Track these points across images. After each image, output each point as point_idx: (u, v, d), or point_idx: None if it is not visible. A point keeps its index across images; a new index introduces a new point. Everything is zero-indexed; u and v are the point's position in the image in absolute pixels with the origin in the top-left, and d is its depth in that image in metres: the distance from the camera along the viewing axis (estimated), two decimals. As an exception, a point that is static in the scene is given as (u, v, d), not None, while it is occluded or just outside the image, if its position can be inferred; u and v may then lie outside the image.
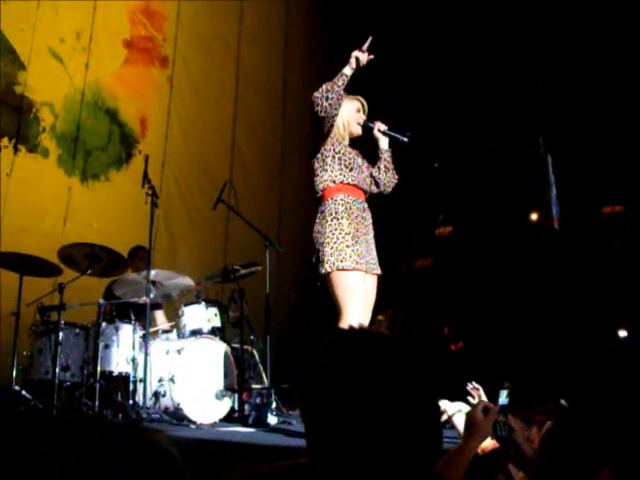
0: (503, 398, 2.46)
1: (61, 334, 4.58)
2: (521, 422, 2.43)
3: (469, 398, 3.34)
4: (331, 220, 3.66)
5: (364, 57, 3.79)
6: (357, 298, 3.61)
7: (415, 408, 1.10)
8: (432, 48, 8.66)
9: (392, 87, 8.33)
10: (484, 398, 3.46)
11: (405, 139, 3.98)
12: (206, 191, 6.98)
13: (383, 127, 4.03)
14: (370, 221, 3.87)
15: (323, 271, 3.61)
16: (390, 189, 4.12)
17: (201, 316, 5.23)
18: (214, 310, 5.33)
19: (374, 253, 3.84)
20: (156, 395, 4.71)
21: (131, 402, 4.59)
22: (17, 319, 4.60)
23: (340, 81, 3.71)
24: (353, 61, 3.77)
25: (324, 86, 3.68)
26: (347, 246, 3.59)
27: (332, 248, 3.59)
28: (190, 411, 4.64)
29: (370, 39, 3.83)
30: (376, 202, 4.06)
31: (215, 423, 4.71)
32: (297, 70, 8.89)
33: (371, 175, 4.04)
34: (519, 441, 2.35)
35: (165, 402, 4.70)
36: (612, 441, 2.08)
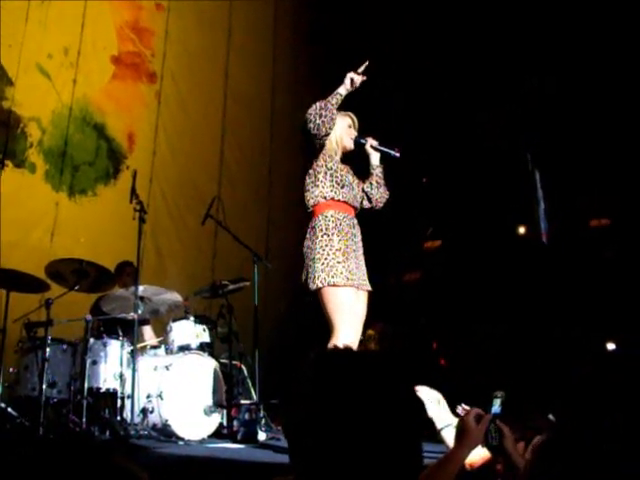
0: (496, 407, 2.45)
1: (48, 350, 4.53)
2: (513, 431, 2.41)
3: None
4: (322, 236, 3.66)
5: (358, 79, 3.83)
6: (348, 314, 3.61)
7: (397, 425, 1.10)
8: (427, 47, 8.70)
9: (388, 85, 8.36)
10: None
11: (397, 154, 4.03)
12: (194, 207, 6.97)
13: (375, 143, 4.07)
14: (359, 237, 3.88)
15: (314, 287, 3.60)
16: (382, 204, 4.14)
17: (189, 332, 5.21)
18: (202, 326, 5.31)
19: (364, 269, 3.85)
20: (144, 411, 4.68)
21: (119, 419, 4.55)
22: (3, 335, 4.56)
23: (334, 100, 3.74)
24: (348, 82, 3.80)
25: (318, 104, 3.70)
26: (338, 262, 3.60)
27: (323, 264, 3.59)
28: (178, 427, 4.61)
29: (366, 63, 3.88)
30: (365, 216, 4.08)
31: (203, 439, 4.68)
32: (286, 86, 8.92)
33: (363, 190, 4.06)
34: (510, 450, 2.33)
35: (153, 418, 4.67)
36: (610, 442, 2.07)
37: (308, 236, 3.76)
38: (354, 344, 3.59)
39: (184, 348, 5.12)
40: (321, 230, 3.68)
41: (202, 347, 5.17)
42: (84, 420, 4.35)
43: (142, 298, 5.04)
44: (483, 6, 8.31)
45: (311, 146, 3.82)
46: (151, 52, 7.68)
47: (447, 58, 8.61)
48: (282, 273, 6.90)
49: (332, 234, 3.67)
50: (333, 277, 3.56)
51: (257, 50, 9.00)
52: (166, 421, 4.60)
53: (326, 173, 3.82)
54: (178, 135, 7.72)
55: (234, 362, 5.39)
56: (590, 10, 7.57)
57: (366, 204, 4.09)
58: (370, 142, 4.07)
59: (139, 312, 4.88)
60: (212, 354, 5.22)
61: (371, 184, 4.10)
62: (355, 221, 3.90)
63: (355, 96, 3.91)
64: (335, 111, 3.73)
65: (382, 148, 4.07)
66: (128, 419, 4.51)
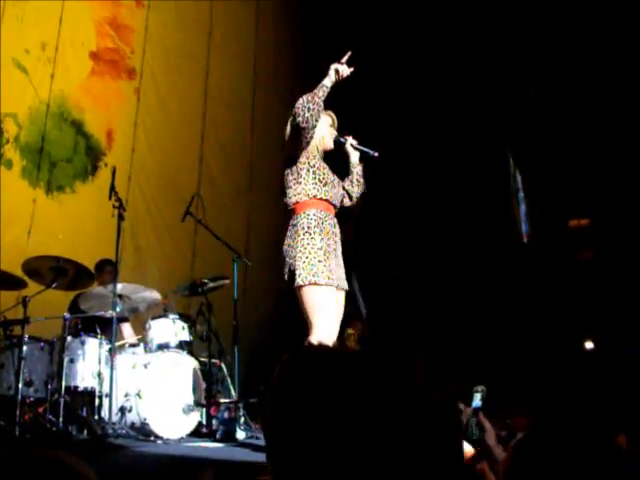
0: (477, 401, 2.46)
1: (25, 348, 4.48)
2: (493, 425, 2.42)
3: None
4: (303, 234, 3.65)
5: (343, 69, 3.81)
6: (327, 313, 3.61)
7: (372, 424, 1.09)
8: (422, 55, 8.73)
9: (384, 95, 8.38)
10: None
11: (375, 153, 4.06)
12: (173, 204, 6.92)
13: (354, 142, 4.10)
14: (339, 237, 3.88)
15: (295, 284, 3.59)
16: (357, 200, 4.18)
17: (168, 330, 5.18)
18: (182, 324, 5.27)
19: (342, 268, 3.86)
20: (122, 410, 4.64)
21: (97, 418, 4.50)
22: (-21, 333, 4.50)
23: (320, 92, 3.72)
24: (332, 73, 3.79)
25: (305, 97, 3.69)
26: (319, 261, 3.58)
27: (304, 262, 3.58)
28: (157, 426, 4.58)
29: (349, 53, 3.86)
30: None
31: (182, 438, 4.65)
32: (266, 85, 8.90)
33: (344, 188, 4.07)
34: (490, 444, 2.34)
35: (131, 417, 4.63)
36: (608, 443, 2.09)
37: (289, 234, 3.74)
38: (331, 343, 3.59)
39: (163, 346, 5.08)
40: (303, 228, 3.66)
41: (181, 345, 5.14)
42: (61, 419, 4.30)
43: (121, 296, 5.00)
44: (478, 13, 8.36)
45: (298, 141, 3.79)
46: (130, 49, 7.62)
47: (427, 54, 8.65)
48: (262, 271, 6.88)
49: (314, 233, 3.65)
50: (314, 276, 3.55)
51: (238, 49, 8.96)
52: (144, 420, 4.57)
53: (309, 170, 3.80)
54: (157, 132, 7.67)
55: (213, 360, 5.37)
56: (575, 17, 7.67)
57: (347, 202, 4.11)
58: (350, 141, 4.10)
59: (118, 310, 4.84)
60: (191, 352, 5.20)
61: (352, 182, 4.12)
62: (335, 220, 3.89)
63: (350, 101, 3.93)
64: (322, 104, 3.72)
65: (361, 147, 4.11)
66: (106, 418, 4.47)
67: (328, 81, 3.78)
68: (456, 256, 8.95)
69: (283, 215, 3.89)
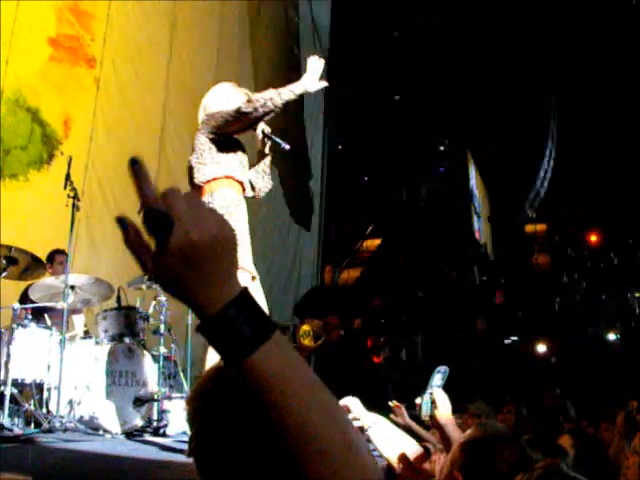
0: (435, 380, 2.47)
1: (-29, 339, 4.38)
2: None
3: (392, 416, 3.36)
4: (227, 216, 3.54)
5: (316, 86, 3.67)
6: None
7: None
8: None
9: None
10: (406, 416, 3.49)
11: (287, 146, 3.88)
12: (130, 195, 6.71)
13: (267, 130, 3.92)
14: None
15: None
16: (264, 194, 4.05)
17: (121, 323, 5.11)
18: (135, 317, 5.20)
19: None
20: (71, 403, 4.56)
21: (44, 410, 4.42)
22: None
23: (285, 96, 3.56)
24: (307, 86, 3.64)
25: (271, 94, 3.53)
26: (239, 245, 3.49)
27: None
28: (105, 420, 4.51)
29: (325, 84, 3.74)
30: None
31: (131, 433, 4.59)
32: (229, 77, 8.81)
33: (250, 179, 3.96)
34: (442, 422, 2.34)
35: (80, 411, 4.56)
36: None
37: None
38: None
39: (115, 339, 5.01)
40: (221, 208, 3.45)
41: (134, 339, 5.07)
42: (7, 412, 4.21)
43: (73, 287, 4.93)
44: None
45: (236, 124, 3.62)
46: (91, 36, 7.47)
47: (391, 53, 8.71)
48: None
49: (233, 214, 3.51)
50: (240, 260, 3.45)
51: (201, 39, 8.88)
52: (93, 413, 4.50)
53: (229, 149, 3.68)
54: (116, 123, 7.54)
55: (167, 355, 5.31)
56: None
57: (249, 192, 3.95)
58: (262, 127, 3.90)
59: (69, 301, 4.75)
60: (144, 346, 5.13)
61: (257, 172, 3.97)
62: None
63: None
64: (280, 107, 3.56)
65: (273, 137, 3.93)
66: (54, 411, 4.39)
67: (297, 89, 3.61)
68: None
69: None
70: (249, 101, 3.56)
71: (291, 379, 0.76)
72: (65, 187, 4.89)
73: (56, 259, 5.54)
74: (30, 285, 5.14)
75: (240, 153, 3.74)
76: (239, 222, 3.51)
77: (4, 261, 4.79)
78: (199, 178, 3.67)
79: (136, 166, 0.79)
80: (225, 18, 9.25)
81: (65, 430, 4.23)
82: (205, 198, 3.57)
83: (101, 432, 4.46)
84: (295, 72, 9.83)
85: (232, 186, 3.63)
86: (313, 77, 3.65)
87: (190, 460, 1.06)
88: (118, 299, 5.36)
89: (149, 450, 3.96)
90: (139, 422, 4.71)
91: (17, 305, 4.74)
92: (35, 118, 6.74)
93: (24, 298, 5.20)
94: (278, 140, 3.91)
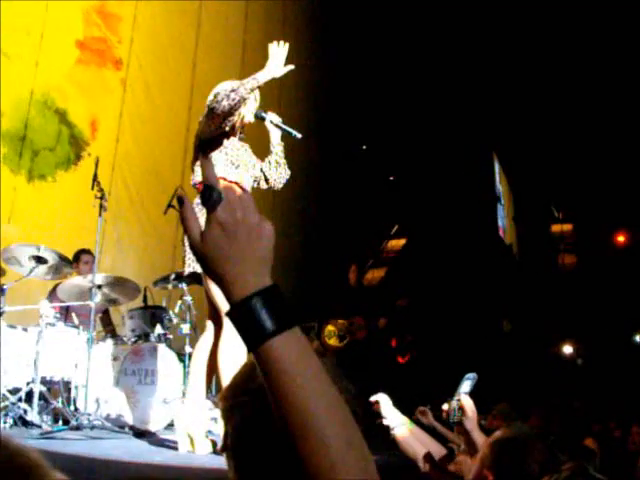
0: (463, 387, 2.50)
1: (2, 337, 4.44)
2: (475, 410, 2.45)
3: (416, 416, 3.37)
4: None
5: (281, 71, 3.61)
6: None
7: None
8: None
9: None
10: (430, 417, 3.51)
11: (298, 135, 3.80)
12: (156, 196, 6.89)
13: (276, 119, 3.86)
14: None
15: (189, 270, 3.43)
16: (281, 185, 3.98)
17: (147, 322, 5.16)
18: (161, 316, 5.25)
19: None
20: (98, 401, 4.61)
21: (72, 408, 4.48)
22: (-45, 321, 4.45)
23: (249, 85, 3.49)
24: (273, 71, 3.58)
25: (231, 84, 3.48)
26: None
27: None
28: (132, 418, 4.55)
29: (291, 67, 3.65)
30: (331, 212, 4.05)
31: (158, 430, 4.63)
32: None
33: (261, 170, 3.89)
34: (469, 427, 2.37)
35: (107, 409, 4.60)
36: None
37: None
38: None
39: (141, 338, 5.06)
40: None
41: (160, 337, 5.12)
42: (35, 409, 4.27)
43: (100, 286, 4.97)
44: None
45: (211, 123, 3.56)
46: (117, 38, 7.57)
47: (415, 56, 8.68)
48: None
49: None
50: None
51: (226, 41, 8.93)
52: (120, 411, 4.54)
53: (221, 151, 3.61)
54: (143, 123, 7.63)
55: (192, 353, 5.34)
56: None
57: (263, 184, 3.90)
58: (270, 117, 3.84)
59: (96, 300, 4.80)
60: (170, 345, 5.18)
61: (269, 163, 3.91)
62: None
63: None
64: (247, 96, 3.49)
65: (283, 126, 3.86)
66: (81, 409, 4.44)
67: (261, 76, 3.55)
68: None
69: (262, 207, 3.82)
70: (215, 97, 3.51)
71: (301, 371, 0.81)
72: (92, 187, 4.93)
73: (82, 259, 5.62)
74: (58, 284, 5.21)
75: (230, 153, 3.65)
76: None
77: (33, 260, 4.86)
78: (194, 179, 3.66)
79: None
80: (250, 18, 9.30)
81: (92, 428, 4.27)
82: (197, 199, 3.57)
83: (127, 430, 4.50)
84: (319, 70, 9.85)
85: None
86: (277, 62, 3.59)
87: (213, 460, 1.09)
88: (144, 298, 5.41)
89: (174, 448, 3.98)
90: (165, 420, 4.74)
91: (46, 304, 4.80)
92: (63, 120, 6.84)
93: (52, 297, 5.27)
94: (288, 129, 3.84)
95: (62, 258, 5.09)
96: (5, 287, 4.58)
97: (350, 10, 9.62)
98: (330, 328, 8.20)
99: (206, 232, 0.87)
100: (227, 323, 3.42)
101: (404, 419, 2.78)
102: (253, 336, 0.83)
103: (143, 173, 7.54)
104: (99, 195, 4.95)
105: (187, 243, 3.40)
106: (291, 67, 3.65)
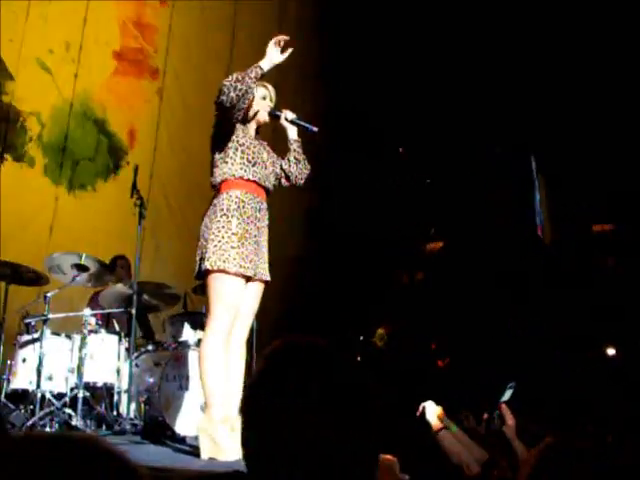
0: (506, 395, 2.49)
1: (45, 344, 4.53)
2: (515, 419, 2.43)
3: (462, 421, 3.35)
4: (220, 216, 3.40)
5: (281, 57, 3.65)
6: (228, 305, 3.37)
7: (345, 415, 1.08)
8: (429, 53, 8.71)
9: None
10: (472, 421, 3.48)
11: (315, 129, 3.75)
12: (194, 204, 6.93)
13: (291, 116, 3.82)
14: (265, 223, 3.62)
15: (203, 268, 3.40)
16: (302, 181, 3.92)
17: (187, 327, 5.19)
18: (201, 321, 5.29)
19: (265, 257, 3.62)
20: (140, 406, 4.66)
21: (115, 413, 4.53)
22: (1, 328, 4.56)
23: (253, 73, 3.50)
24: (274, 57, 3.63)
25: (235, 75, 3.46)
26: (232, 247, 3.34)
27: (216, 246, 3.34)
28: (174, 423, 4.59)
29: (290, 51, 3.69)
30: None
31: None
32: (289, 86, 8.90)
33: (281, 167, 3.86)
34: (509, 436, 2.34)
35: (149, 413, 4.65)
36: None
37: (208, 213, 3.50)
38: (225, 334, 3.40)
39: (181, 344, 5.10)
40: (222, 210, 3.41)
41: (200, 343, 5.14)
42: (79, 414, 4.34)
43: (140, 293, 5.03)
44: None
45: (225, 120, 3.55)
46: (154, 48, 7.67)
47: (451, 56, 8.62)
48: (283, 271, 6.87)
49: (232, 216, 3.40)
50: (224, 262, 3.31)
51: (261, 49, 8.96)
52: (162, 416, 4.58)
53: (237, 149, 3.56)
54: (179, 132, 7.71)
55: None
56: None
57: (284, 182, 3.87)
58: (285, 115, 3.81)
59: (137, 307, 4.86)
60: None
61: (289, 160, 3.86)
62: (263, 205, 3.61)
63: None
64: (253, 85, 3.51)
65: (299, 122, 3.82)
66: (124, 414, 4.50)
67: (265, 63, 3.58)
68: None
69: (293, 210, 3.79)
70: (219, 92, 3.49)
71: None
72: (131, 196, 4.98)
73: (117, 264, 5.72)
74: (99, 291, 5.29)
75: (246, 151, 3.59)
76: (232, 224, 3.39)
77: (75, 269, 4.94)
78: (212, 181, 3.62)
79: None
80: (285, 24, 9.34)
81: (135, 433, 4.33)
82: (215, 199, 3.54)
83: (169, 434, 4.53)
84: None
85: (239, 187, 3.51)
86: (275, 48, 3.65)
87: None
88: (184, 304, 5.46)
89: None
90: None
91: (88, 311, 4.88)
92: (102, 130, 6.97)
93: (93, 304, 5.35)
94: (304, 124, 3.81)
95: (103, 265, 5.16)
96: (48, 295, 4.66)
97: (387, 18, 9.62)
98: (380, 331, 8.16)
99: None
100: (209, 327, 3.42)
101: (449, 423, 2.76)
102: None
103: (181, 181, 7.62)
104: (138, 203, 5.00)
105: (205, 236, 3.45)
106: (290, 50, 3.68)
